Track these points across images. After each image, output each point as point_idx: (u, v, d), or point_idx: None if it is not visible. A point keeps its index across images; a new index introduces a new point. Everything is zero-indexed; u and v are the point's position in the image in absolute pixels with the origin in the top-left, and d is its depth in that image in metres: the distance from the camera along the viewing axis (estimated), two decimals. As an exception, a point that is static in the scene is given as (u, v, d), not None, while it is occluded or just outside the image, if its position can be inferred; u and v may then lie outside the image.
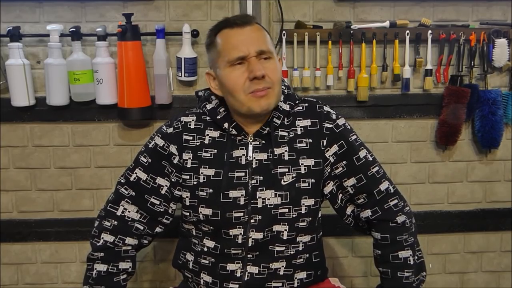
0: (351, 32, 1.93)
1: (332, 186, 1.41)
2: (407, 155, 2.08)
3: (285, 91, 1.41)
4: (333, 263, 2.12)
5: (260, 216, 1.34)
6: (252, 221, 1.34)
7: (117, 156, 2.02)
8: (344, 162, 1.38)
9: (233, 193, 1.34)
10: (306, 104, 1.42)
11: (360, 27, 1.94)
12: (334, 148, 1.38)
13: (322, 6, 1.97)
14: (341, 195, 1.42)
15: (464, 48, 1.98)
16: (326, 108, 1.42)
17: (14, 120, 1.96)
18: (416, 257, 1.37)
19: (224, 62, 1.29)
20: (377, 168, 1.41)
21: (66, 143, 2.00)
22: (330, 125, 1.39)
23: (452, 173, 2.11)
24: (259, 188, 1.34)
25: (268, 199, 1.34)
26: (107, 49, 1.89)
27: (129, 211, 1.40)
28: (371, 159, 1.41)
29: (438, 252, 2.15)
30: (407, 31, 1.94)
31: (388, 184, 1.40)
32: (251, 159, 1.35)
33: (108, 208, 1.42)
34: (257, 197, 1.34)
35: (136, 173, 1.40)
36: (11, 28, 1.86)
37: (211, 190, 1.35)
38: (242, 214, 1.34)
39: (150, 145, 1.41)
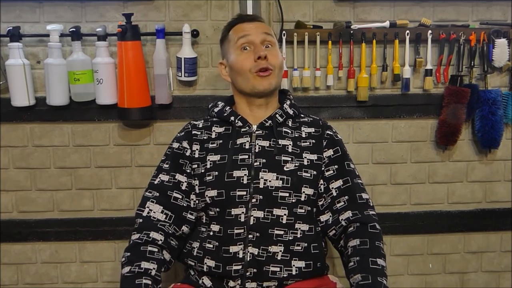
0: (351, 32, 1.93)
1: (320, 185, 1.50)
2: (407, 155, 2.08)
3: (292, 101, 1.59)
4: (333, 263, 2.12)
5: (261, 196, 1.42)
6: (254, 200, 1.42)
7: (117, 156, 2.02)
8: (335, 166, 1.51)
9: (237, 173, 1.44)
10: (311, 119, 1.58)
11: (360, 27, 1.94)
12: (330, 151, 1.52)
13: (322, 6, 1.97)
14: (323, 199, 1.50)
15: (464, 48, 1.98)
16: (329, 124, 1.60)
17: (14, 120, 1.96)
18: (387, 272, 1.35)
19: (234, 47, 1.50)
20: (361, 181, 1.52)
21: (66, 143, 2.00)
22: (331, 133, 1.56)
23: (452, 173, 2.11)
24: (262, 169, 1.44)
25: (270, 181, 1.43)
26: (107, 49, 1.89)
27: (154, 212, 1.45)
28: (357, 173, 1.53)
29: (438, 252, 2.15)
30: (407, 31, 1.94)
31: (369, 197, 1.50)
32: (254, 144, 1.48)
33: (136, 212, 1.47)
34: (259, 178, 1.43)
35: (159, 177, 1.50)
36: (11, 28, 1.86)
37: (216, 173, 1.45)
38: (244, 193, 1.42)
39: (169, 152, 1.54)
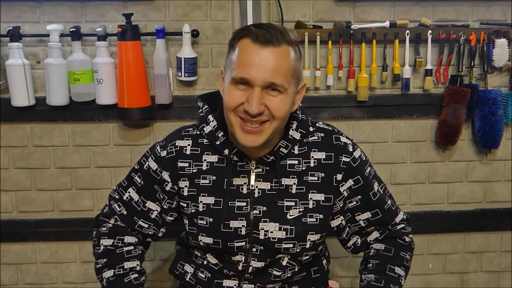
0: (351, 32, 1.93)
1: (342, 220, 1.37)
2: (407, 155, 2.08)
3: (300, 117, 1.31)
4: (333, 263, 2.12)
5: (262, 247, 1.30)
6: (254, 250, 1.31)
7: (117, 156, 2.01)
8: (359, 196, 1.33)
9: (234, 223, 1.28)
10: (322, 134, 1.32)
11: (360, 27, 1.94)
12: (350, 182, 1.32)
13: (322, 6, 1.97)
14: (348, 228, 1.39)
15: (464, 48, 1.98)
16: (343, 139, 1.33)
17: (14, 120, 1.96)
18: (403, 282, 1.33)
19: (230, 74, 1.17)
20: (390, 200, 1.38)
21: (66, 143, 2.00)
22: (348, 159, 1.30)
23: (452, 173, 2.11)
24: (262, 219, 1.28)
25: (271, 232, 1.28)
26: (107, 49, 1.89)
27: (120, 225, 1.40)
28: (382, 192, 1.37)
29: (438, 252, 2.15)
30: (407, 31, 1.94)
31: (403, 214, 1.40)
32: (253, 188, 1.28)
33: (101, 218, 1.41)
34: (260, 228, 1.28)
35: (129, 192, 1.37)
36: (11, 28, 1.86)
37: (211, 220, 1.29)
38: (243, 243, 1.30)
39: (144, 166, 1.36)
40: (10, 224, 2.03)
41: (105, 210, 1.42)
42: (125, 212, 1.37)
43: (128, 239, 1.37)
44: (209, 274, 1.36)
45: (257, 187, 1.28)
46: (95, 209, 2.04)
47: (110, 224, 1.39)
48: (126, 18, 1.82)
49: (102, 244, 1.36)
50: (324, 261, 1.46)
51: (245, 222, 1.27)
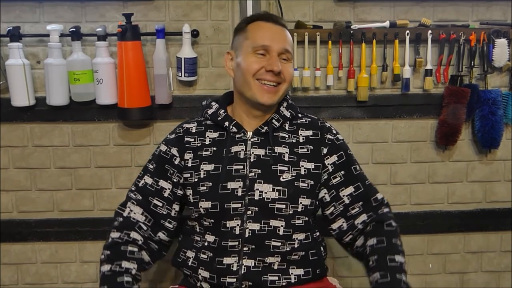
0: (351, 32, 1.93)
1: (325, 193, 1.47)
2: (407, 155, 2.08)
3: (289, 101, 1.53)
4: (333, 263, 2.12)
5: (256, 208, 1.39)
6: (249, 212, 1.39)
7: (117, 156, 2.02)
8: (342, 172, 1.47)
9: (231, 185, 1.40)
10: (309, 119, 1.53)
11: (360, 27, 1.94)
12: (334, 158, 1.47)
13: (322, 6, 1.97)
14: (333, 208, 1.46)
15: (464, 48, 1.98)
16: (327, 124, 1.53)
17: (14, 120, 1.96)
18: (406, 268, 1.35)
19: (249, 46, 1.41)
20: (370, 181, 1.50)
21: (66, 143, 2.00)
22: (332, 137, 1.49)
23: (452, 173, 2.11)
24: (257, 181, 1.40)
25: (265, 192, 1.39)
26: (107, 49, 1.89)
27: (134, 213, 1.46)
28: (364, 173, 1.51)
29: (438, 252, 2.15)
30: (407, 31, 1.94)
31: (383, 196, 1.48)
32: (249, 153, 1.43)
33: (117, 209, 1.49)
34: (255, 189, 1.39)
35: (144, 179, 1.50)
36: (11, 28, 1.86)
37: (210, 184, 1.41)
38: (239, 205, 1.39)
39: (156, 153, 1.52)
40: (10, 224, 2.03)
41: (121, 202, 1.50)
42: (140, 196, 1.48)
43: (134, 235, 1.43)
44: (210, 254, 1.42)
45: (253, 153, 1.43)
46: (95, 209, 2.04)
47: (121, 218, 1.45)
48: (126, 18, 1.82)
49: (110, 236, 1.43)
50: (322, 248, 1.51)
51: (241, 183, 1.40)
